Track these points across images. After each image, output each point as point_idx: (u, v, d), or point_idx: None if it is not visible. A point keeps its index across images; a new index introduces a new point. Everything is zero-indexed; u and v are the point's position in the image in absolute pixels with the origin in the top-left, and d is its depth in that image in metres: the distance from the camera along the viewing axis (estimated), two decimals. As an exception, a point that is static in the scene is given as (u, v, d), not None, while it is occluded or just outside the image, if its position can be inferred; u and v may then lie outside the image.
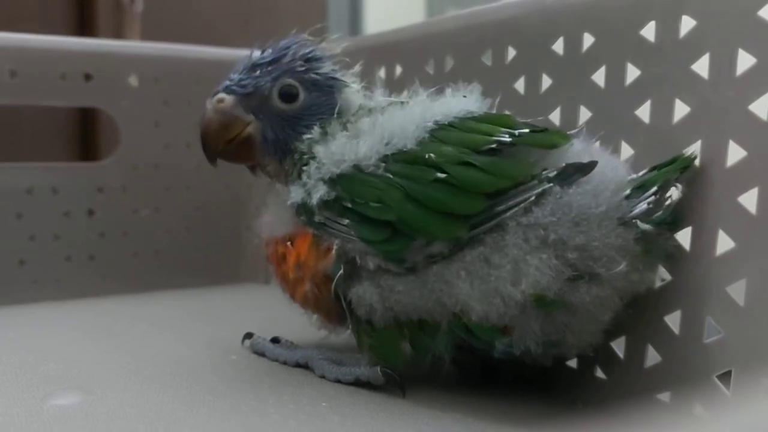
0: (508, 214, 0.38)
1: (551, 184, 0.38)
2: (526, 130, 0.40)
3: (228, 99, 0.45)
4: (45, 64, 0.65)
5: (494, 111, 0.44)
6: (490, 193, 0.38)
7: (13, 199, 0.65)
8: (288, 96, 0.46)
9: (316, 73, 0.46)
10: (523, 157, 0.39)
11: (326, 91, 0.46)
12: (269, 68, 0.46)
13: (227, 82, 0.46)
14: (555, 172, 0.38)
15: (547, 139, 0.40)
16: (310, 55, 0.47)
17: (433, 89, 0.45)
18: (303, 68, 0.46)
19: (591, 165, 0.38)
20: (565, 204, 0.37)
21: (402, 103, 0.44)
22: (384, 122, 0.42)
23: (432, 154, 0.39)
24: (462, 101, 0.43)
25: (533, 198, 0.38)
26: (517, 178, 0.38)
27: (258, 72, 0.46)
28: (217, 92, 0.46)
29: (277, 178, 0.47)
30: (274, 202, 0.47)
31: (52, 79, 0.65)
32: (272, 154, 0.46)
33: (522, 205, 0.38)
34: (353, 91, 0.47)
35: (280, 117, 0.46)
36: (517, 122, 0.42)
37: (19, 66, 0.64)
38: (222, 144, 0.46)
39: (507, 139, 0.39)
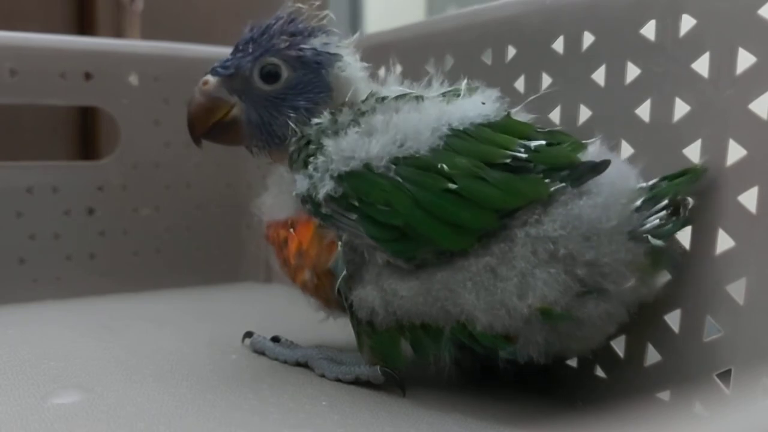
0: (517, 222, 0.37)
1: (563, 184, 0.37)
2: (543, 143, 0.39)
3: (212, 81, 0.45)
4: (45, 63, 0.65)
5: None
6: (501, 210, 0.38)
7: (14, 198, 0.65)
8: (269, 75, 0.44)
9: (301, 49, 0.44)
10: (537, 170, 0.38)
11: (314, 68, 0.44)
12: (251, 47, 0.44)
13: (215, 64, 0.45)
14: (567, 172, 0.38)
15: (563, 156, 0.39)
16: (293, 30, 0.45)
17: (450, 88, 0.43)
18: (286, 44, 0.44)
19: (604, 164, 0.38)
20: (575, 217, 0.37)
21: (417, 98, 0.42)
22: (398, 122, 0.40)
23: (444, 165, 0.38)
24: (479, 105, 0.41)
25: (546, 199, 0.37)
26: (530, 198, 0.37)
27: (240, 52, 0.45)
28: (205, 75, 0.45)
29: (279, 162, 0.46)
30: (276, 185, 0.46)
31: (52, 78, 0.65)
32: (257, 137, 0.45)
33: (534, 214, 0.37)
34: (347, 65, 0.45)
35: (262, 98, 0.44)
36: (534, 131, 0.41)
37: (19, 65, 0.64)
38: (207, 126, 0.45)
39: (522, 155, 0.38)
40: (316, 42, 0.45)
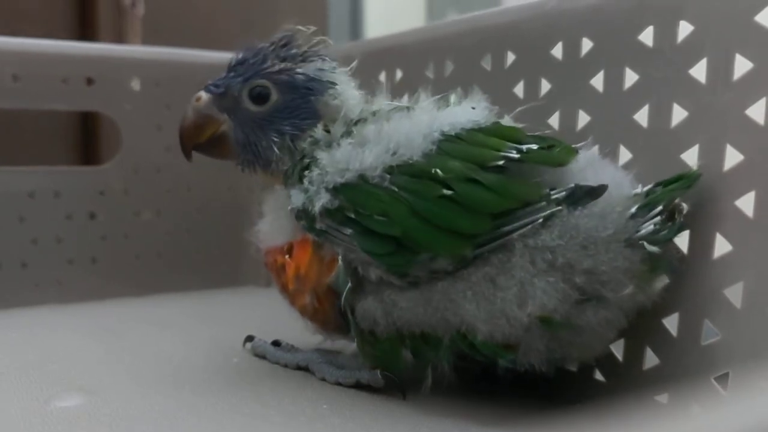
0: (515, 235, 0.37)
1: (560, 208, 0.37)
2: (534, 146, 0.39)
3: (204, 98, 0.45)
4: (47, 68, 0.65)
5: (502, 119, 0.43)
6: (496, 213, 0.38)
7: (16, 202, 0.65)
8: (258, 97, 0.45)
9: (292, 74, 0.45)
10: (529, 173, 0.39)
11: (302, 93, 0.45)
12: (243, 68, 0.45)
13: (209, 81, 0.46)
14: (564, 194, 0.37)
15: (555, 157, 0.40)
16: (286, 54, 0.45)
17: (439, 96, 0.44)
18: (278, 68, 0.45)
19: (601, 189, 0.37)
20: (572, 227, 0.37)
21: (408, 108, 0.43)
22: (390, 131, 0.41)
23: (438, 170, 0.38)
24: (469, 111, 0.42)
25: (541, 220, 0.37)
26: (524, 199, 0.38)
27: (233, 72, 0.45)
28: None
29: (269, 183, 0.46)
30: (272, 209, 0.46)
31: (54, 83, 0.66)
32: (243, 156, 0.46)
33: (529, 226, 0.37)
34: (339, 93, 0.45)
35: (249, 119, 0.45)
36: (524, 135, 0.41)
37: (21, 70, 0.64)
38: (196, 142, 0.46)
39: (515, 155, 0.39)
40: (311, 67, 0.45)
